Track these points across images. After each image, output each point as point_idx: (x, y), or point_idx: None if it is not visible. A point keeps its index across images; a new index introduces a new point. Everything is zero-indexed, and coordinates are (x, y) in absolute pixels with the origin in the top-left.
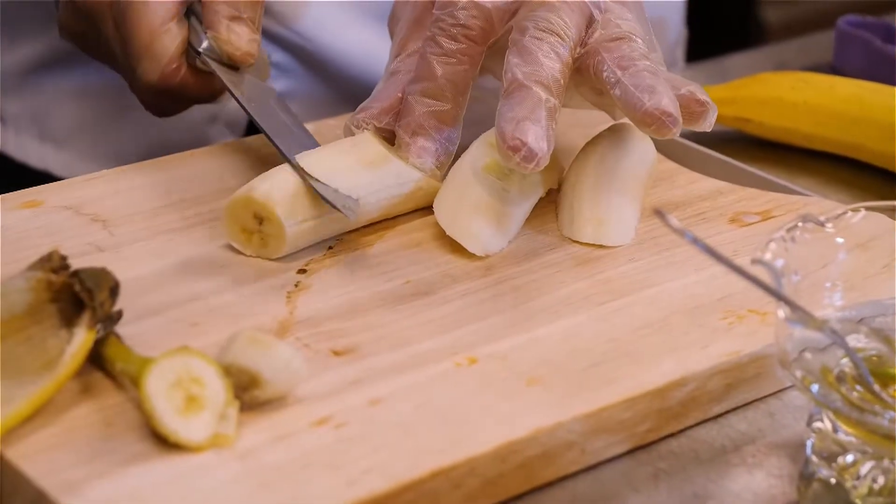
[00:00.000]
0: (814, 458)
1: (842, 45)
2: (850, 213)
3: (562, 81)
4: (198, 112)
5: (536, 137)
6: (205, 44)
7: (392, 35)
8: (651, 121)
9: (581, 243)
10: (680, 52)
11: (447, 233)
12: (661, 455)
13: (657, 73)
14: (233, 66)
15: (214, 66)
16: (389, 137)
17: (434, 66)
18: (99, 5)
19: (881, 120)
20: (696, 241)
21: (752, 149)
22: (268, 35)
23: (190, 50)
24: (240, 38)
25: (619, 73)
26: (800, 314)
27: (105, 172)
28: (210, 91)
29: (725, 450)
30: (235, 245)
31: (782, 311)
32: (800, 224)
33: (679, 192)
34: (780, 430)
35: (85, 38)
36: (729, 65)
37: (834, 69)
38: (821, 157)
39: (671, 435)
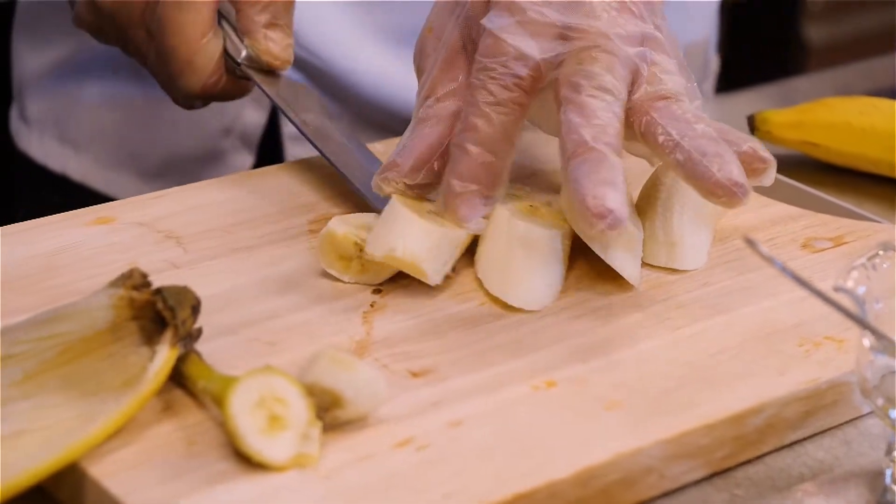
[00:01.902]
0: (893, 487)
1: None
2: None
3: (621, 141)
4: (212, 124)
5: (619, 203)
6: (244, 53)
7: (418, 71)
8: (722, 192)
9: (654, 266)
10: (709, 84)
11: (497, 294)
12: (737, 481)
13: (717, 138)
14: (269, 70)
15: (255, 76)
16: (421, 193)
17: (490, 115)
18: (127, 7)
19: None
20: (785, 270)
21: (819, 173)
22: None
23: (227, 59)
24: (277, 44)
25: (677, 138)
26: (885, 342)
27: (174, 190)
28: (245, 91)
29: (802, 477)
30: (332, 273)
31: (867, 340)
32: (881, 252)
33: (750, 216)
34: (856, 458)
35: (102, 32)
36: (791, 88)
37: None
38: (887, 183)
39: (748, 461)
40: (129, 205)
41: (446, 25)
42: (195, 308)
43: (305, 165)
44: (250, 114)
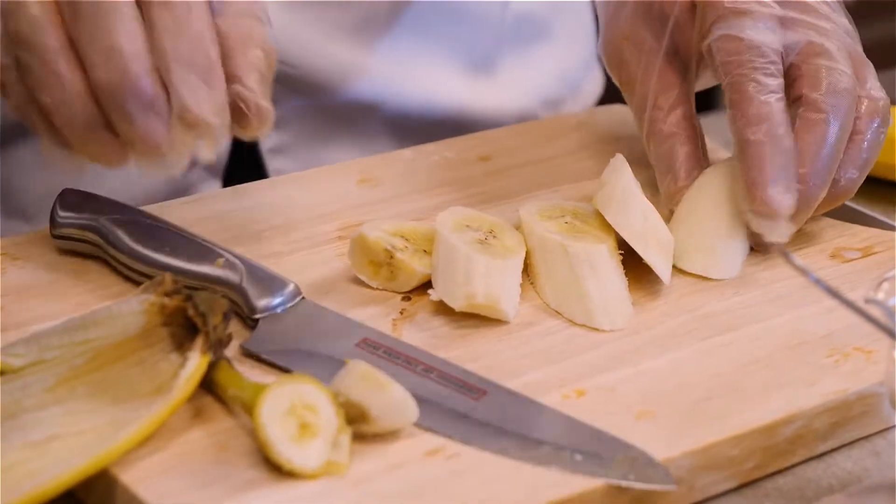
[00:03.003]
0: None
1: None
2: None
3: None
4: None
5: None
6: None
7: (622, 80)
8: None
9: (686, 273)
10: None
11: (584, 323)
12: (766, 492)
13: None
14: None
15: None
16: None
17: (771, 102)
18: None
19: None
20: (819, 282)
21: None
22: None
23: None
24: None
25: None
26: None
27: (200, 195)
28: None
29: (831, 488)
30: (362, 278)
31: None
32: None
33: None
34: (885, 469)
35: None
36: None
37: None
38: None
39: (777, 472)
40: (161, 209)
41: (644, 34)
42: (226, 315)
43: (333, 172)
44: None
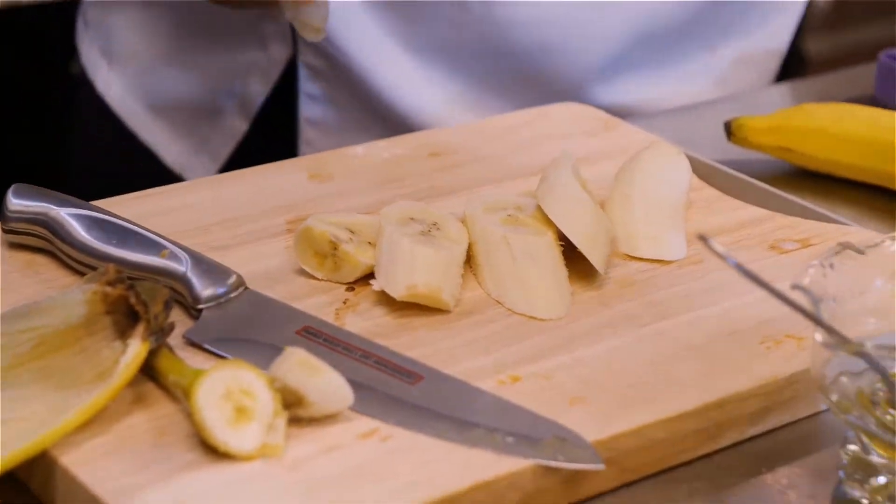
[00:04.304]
0: (846, 480)
1: (883, 77)
2: (888, 242)
3: None
4: (220, 80)
5: None
6: None
7: None
8: None
9: (629, 261)
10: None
11: (525, 312)
12: (697, 474)
13: None
14: None
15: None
16: None
17: None
18: None
19: None
20: (738, 267)
21: (794, 178)
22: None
23: None
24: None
25: None
26: (836, 338)
27: (159, 189)
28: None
29: (760, 471)
30: (307, 269)
31: (819, 336)
32: (839, 251)
33: (720, 218)
34: (814, 451)
35: None
36: (771, 95)
37: (875, 101)
38: (862, 188)
39: (708, 455)
40: (113, 204)
41: None
42: (167, 303)
43: (285, 168)
44: (255, 85)
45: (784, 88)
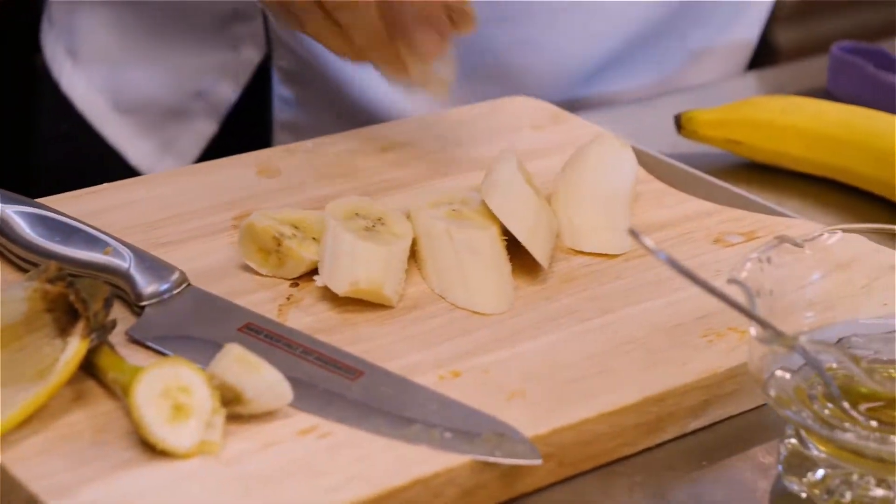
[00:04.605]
0: (785, 474)
1: (836, 70)
2: (826, 235)
3: None
4: (188, 83)
5: None
6: None
7: None
8: None
9: (572, 256)
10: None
11: (466, 307)
12: (637, 467)
13: None
14: None
15: None
16: None
17: None
18: None
19: (869, 144)
20: (669, 261)
21: (743, 171)
22: (276, 40)
23: None
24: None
25: None
26: (771, 332)
27: (106, 185)
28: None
29: (701, 464)
30: (251, 264)
31: (755, 330)
32: (776, 244)
33: (666, 212)
34: (754, 444)
35: None
36: (724, 88)
37: (828, 94)
38: (810, 180)
39: (649, 449)
40: (62, 200)
41: None
42: (107, 301)
43: (233, 163)
44: (224, 87)
45: (741, 81)
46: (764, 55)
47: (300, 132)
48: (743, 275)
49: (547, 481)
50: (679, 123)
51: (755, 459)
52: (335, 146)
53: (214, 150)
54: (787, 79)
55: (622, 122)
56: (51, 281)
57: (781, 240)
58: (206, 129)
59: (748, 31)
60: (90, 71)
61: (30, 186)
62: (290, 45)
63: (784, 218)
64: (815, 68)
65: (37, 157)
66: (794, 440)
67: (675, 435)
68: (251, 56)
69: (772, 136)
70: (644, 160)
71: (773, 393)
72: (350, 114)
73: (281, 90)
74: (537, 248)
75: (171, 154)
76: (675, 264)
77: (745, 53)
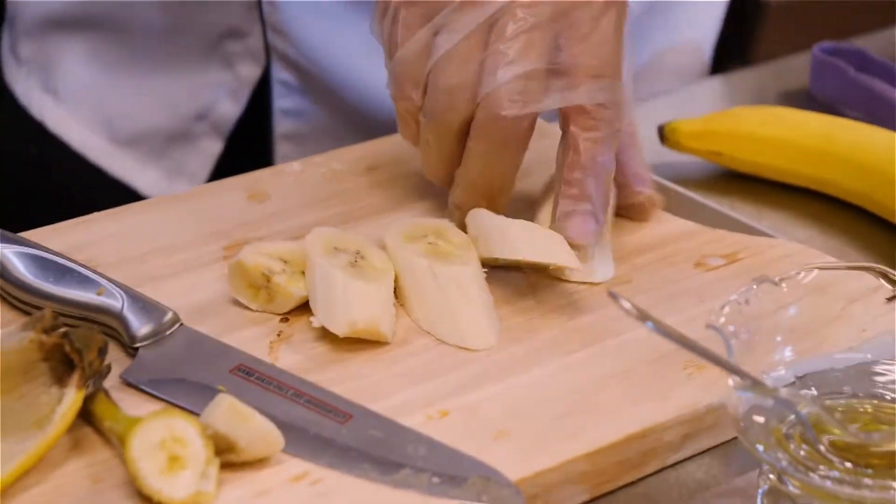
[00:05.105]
0: None
1: (817, 72)
2: (802, 273)
3: None
4: (187, 106)
5: None
6: None
7: None
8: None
9: (563, 280)
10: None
11: (456, 343)
12: (619, 501)
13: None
14: None
15: None
16: None
17: None
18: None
19: (849, 157)
20: (646, 322)
21: (724, 181)
22: (275, 53)
23: None
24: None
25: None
26: (749, 382)
27: (95, 215)
28: None
29: (681, 497)
30: (241, 300)
31: (732, 380)
32: (754, 287)
33: (646, 233)
34: (734, 476)
35: None
36: (706, 89)
37: (810, 96)
38: (791, 191)
39: (630, 483)
40: (52, 232)
41: None
42: (102, 350)
43: (223, 188)
44: (225, 105)
45: (719, 82)
46: (752, 11)
47: (302, 141)
48: (721, 320)
49: None
50: (662, 134)
51: (735, 491)
52: (322, 167)
53: (222, 166)
54: (770, 79)
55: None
56: (46, 331)
57: (759, 281)
58: (212, 148)
59: (705, 31)
60: (76, 108)
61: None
62: (290, 56)
63: (765, 238)
64: (799, 67)
65: (24, 191)
66: (772, 475)
67: (655, 469)
68: (249, 72)
69: (752, 148)
70: None
71: (748, 435)
72: (352, 119)
73: (281, 102)
74: (569, 261)
75: (181, 178)
76: (655, 328)
77: (705, 55)
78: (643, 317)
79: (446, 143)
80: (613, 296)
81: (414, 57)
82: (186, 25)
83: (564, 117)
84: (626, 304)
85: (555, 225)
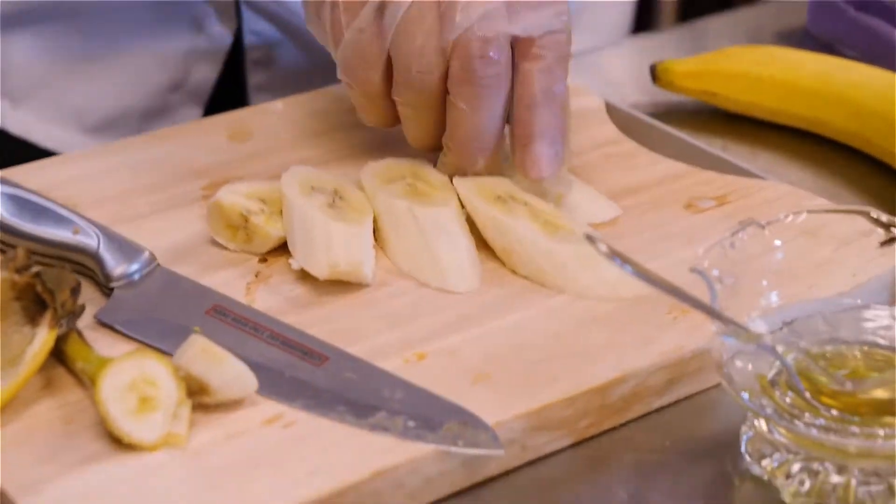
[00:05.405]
0: (747, 457)
1: (816, 10)
2: (790, 217)
3: None
4: (159, 80)
5: None
6: None
7: None
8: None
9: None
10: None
11: (440, 286)
12: (601, 448)
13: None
14: None
15: None
16: None
17: None
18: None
19: (844, 97)
20: (624, 265)
21: (718, 121)
22: (251, 5)
23: None
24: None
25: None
26: (733, 328)
27: (75, 154)
28: None
29: (664, 444)
30: (219, 240)
31: (715, 326)
32: (741, 230)
33: (637, 174)
34: (719, 423)
35: None
36: (702, 29)
37: (808, 34)
38: (785, 132)
39: (612, 428)
40: (30, 170)
41: None
42: (74, 290)
43: (203, 127)
44: (201, 69)
45: (715, 21)
46: None
47: (275, 92)
48: (705, 264)
49: (511, 465)
50: (654, 74)
51: (720, 438)
52: (305, 106)
53: None
54: (767, 17)
55: (594, 70)
56: (18, 270)
57: (745, 224)
58: (190, 115)
59: None
60: (39, 108)
61: None
62: (262, 7)
63: (755, 180)
64: (797, 6)
65: None
66: (757, 422)
67: (639, 414)
68: (222, 30)
69: (747, 88)
70: (615, 116)
71: (733, 381)
72: (331, 66)
73: (253, 54)
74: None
75: None
76: (630, 269)
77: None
78: (623, 261)
79: (428, 110)
80: (591, 239)
81: (365, 37)
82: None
83: (513, 53)
84: (604, 248)
85: (517, 162)
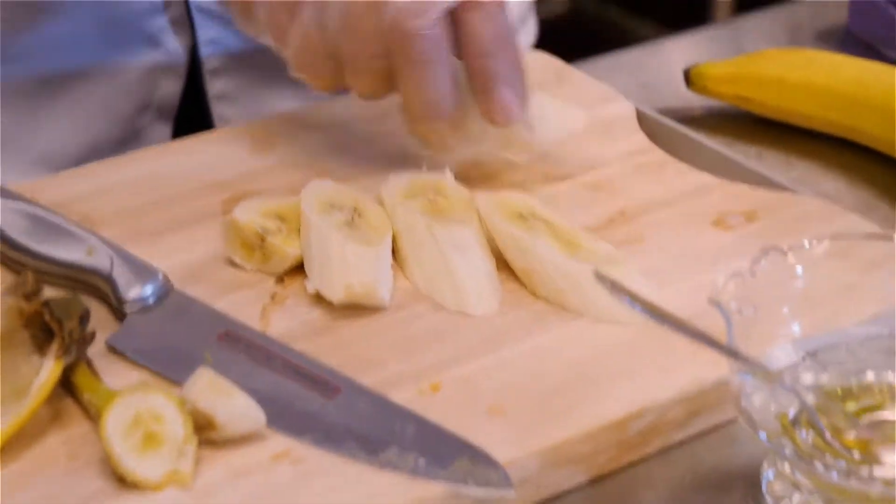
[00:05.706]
0: (768, 497)
1: (857, 10)
2: (814, 244)
3: None
4: (124, 106)
5: None
6: None
7: None
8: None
9: None
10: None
11: (458, 309)
12: (619, 484)
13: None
14: None
15: None
16: None
17: None
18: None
19: (882, 104)
20: (634, 304)
21: (752, 128)
22: (197, 11)
23: None
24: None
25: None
26: (750, 366)
27: (96, 166)
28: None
29: (685, 477)
30: (236, 260)
31: (730, 365)
32: (762, 261)
33: (664, 187)
34: (741, 456)
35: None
36: (740, 27)
37: (849, 34)
38: (821, 138)
39: (631, 464)
40: (50, 183)
41: None
42: (83, 318)
43: (227, 136)
44: (164, 85)
45: (751, 20)
46: None
47: (236, 101)
48: (724, 297)
49: (527, 503)
50: (688, 78)
51: (742, 470)
52: (330, 113)
53: None
54: (807, 16)
55: (627, 72)
56: (27, 297)
57: (766, 250)
58: (160, 133)
59: None
60: (4, 159)
61: None
62: (215, 13)
63: (787, 194)
64: (838, 5)
65: None
66: (778, 461)
67: (658, 448)
68: (179, 40)
69: (782, 94)
70: (644, 124)
71: (751, 420)
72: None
73: (210, 63)
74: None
75: None
76: (641, 309)
77: None
78: (632, 299)
79: (384, 89)
80: (599, 276)
81: (310, 38)
82: (103, 21)
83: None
84: (615, 287)
85: (483, 113)
